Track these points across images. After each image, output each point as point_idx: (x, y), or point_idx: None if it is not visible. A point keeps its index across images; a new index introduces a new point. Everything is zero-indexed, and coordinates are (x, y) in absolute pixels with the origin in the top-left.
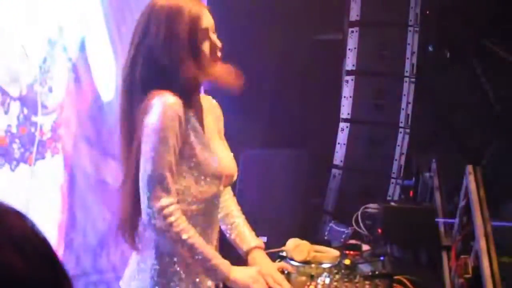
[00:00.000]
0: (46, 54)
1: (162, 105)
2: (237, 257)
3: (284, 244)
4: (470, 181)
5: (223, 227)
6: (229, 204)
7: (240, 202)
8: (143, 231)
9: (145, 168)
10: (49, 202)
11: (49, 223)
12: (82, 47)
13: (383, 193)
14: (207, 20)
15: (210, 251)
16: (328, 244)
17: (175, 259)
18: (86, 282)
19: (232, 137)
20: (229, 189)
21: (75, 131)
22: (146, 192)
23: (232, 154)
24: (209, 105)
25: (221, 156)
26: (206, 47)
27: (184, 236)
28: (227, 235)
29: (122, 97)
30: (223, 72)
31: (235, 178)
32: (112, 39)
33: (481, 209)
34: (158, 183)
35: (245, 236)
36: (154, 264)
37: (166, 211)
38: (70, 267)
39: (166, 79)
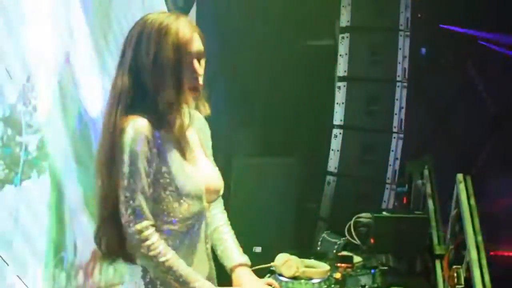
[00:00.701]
0: (29, 73)
1: (132, 130)
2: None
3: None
4: (461, 190)
5: (212, 242)
6: (217, 218)
7: (233, 212)
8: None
9: (120, 194)
10: (38, 222)
11: (38, 242)
12: (67, 62)
13: (378, 199)
14: (195, 45)
15: (190, 274)
16: (321, 255)
17: (158, 282)
18: None
19: (224, 145)
20: (219, 202)
21: (63, 148)
22: (123, 217)
23: (217, 169)
24: (196, 120)
25: (203, 173)
26: (188, 73)
27: (161, 259)
28: (215, 251)
29: (105, 117)
30: (197, 103)
31: (220, 193)
32: (99, 50)
33: (472, 219)
34: (131, 208)
35: (231, 252)
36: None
37: (142, 236)
38: (61, 285)
39: (146, 102)
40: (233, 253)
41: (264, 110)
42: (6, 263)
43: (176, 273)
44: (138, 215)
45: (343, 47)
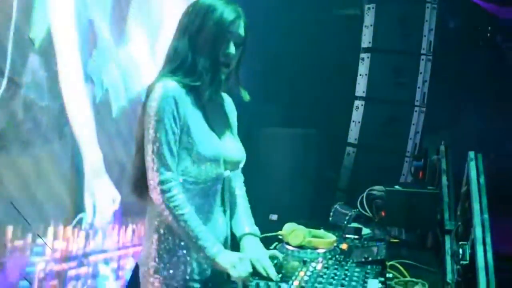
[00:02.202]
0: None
1: (161, 89)
2: None
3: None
4: (471, 168)
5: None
6: (234, 189)
7: (252, 180)
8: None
9: (147, 147)
10: (58, 184)
11: (58, 203)
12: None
13: (397, 172)
14: (235, 28)
15: (202, 231)
16: (331, 226)
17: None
18: (96, 260)
19: (246, 115)
20: (239, 175)
21: (81, 117)
22: (148, 168)
23: (240, 144)
24: (226, 100)
25: (224, 143)
26: (222, 48)
27: (178, 212)
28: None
29: (155, 79)
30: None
31: (241, 164)
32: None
33: (479, 197)
34: (158, 160)
35: (241, 221)
36: (157, 232)
37: (164, 186)
38: (80, 246)
39: (185, 67)
40: (243, 222)
41: (286, 81)
42: (28, 222)
43: (189, 228)
44: (164, 167)
45: (368, 18)
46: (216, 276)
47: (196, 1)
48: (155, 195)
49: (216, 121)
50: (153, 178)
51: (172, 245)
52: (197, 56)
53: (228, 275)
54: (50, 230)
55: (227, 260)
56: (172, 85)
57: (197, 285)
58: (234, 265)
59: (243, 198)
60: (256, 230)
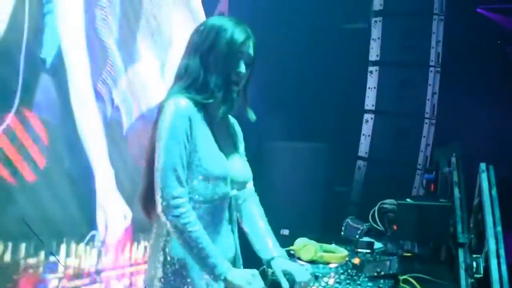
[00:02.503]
0: None
1: (174, 105)
2: None
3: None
4: (483, 180)
5: (245, 230)
6: (250, 207)
7: (263, 194)
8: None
9: (158, 163)
10: (71, 201)
11: (71, 220)
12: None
13: (409, 185)
14: (245, 48)
15: (212, 249)
16: (343, 240)
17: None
18: (108, 277)
19: (256, 129)
20: (252, 193)
21: (95, 131)
22: (159, 183)
23: (247, 164)
24: (232, 121)
25: (231, 162)
26: (233, 67)
27: (189, 229)
28: (250, 240)
29: (166, 95)
30: (245, 107)
31: (248, 184)
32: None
33: (492, 209)
34: (170, 176)
35: (267, 245)
36: (163, 252)
37: (175, 202)
38: (93, 263)
39: (197, 84)
40: (270, 246)
41: (296, 94)
42: (40, 240)
43: (200, 245)
44: (176, 182)
45: (376, 31)
46: None
47: (207, 21)
48: (164, 210)
49: (223, 141)
50: (163, 194)
51: (178, 266)
52: (209, 74)
53: None
54: (63, 247)
55: (240, 276)
56: (185, 102)
57: None
58: (249, 281)
59: (263, 219)
60: (284, 253)
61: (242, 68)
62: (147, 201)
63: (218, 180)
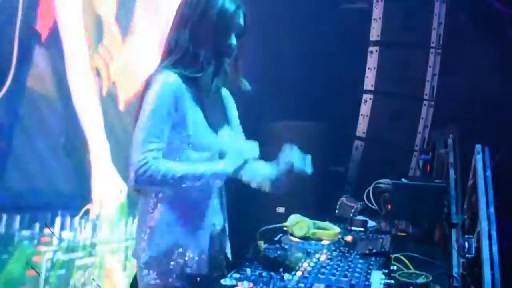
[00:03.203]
0: None
1: (162, 82)
2: None
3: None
4: (478, 161)
5: None
6: None
7: None
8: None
9: (134, 137)
10: (66, 175)
11: (66, 194)
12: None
13: (406, 166)
14: (236, 19)
15: (193, 165)
16: (337, 219)
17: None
18: (103, 250)
19: (254, 108)
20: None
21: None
22: (132, 150)
23: (238, 136)
24: (224, 93)
25: (219, 135)
26: (223, 40)
27: (160, 173)
28: None
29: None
30: (237, 78)
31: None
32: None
33: (486, 190)
34: (141, 148)
35: None
36: (148, 226)
37: (140, 165)
38: (87, 236)
39: (186, 58)
40: None
41: (295, 74)
42: (35, 212)
43: (181, 172)
44: (147, 151)
45: (377, 11)
46: (211, 268)
47: None
48: (135, 179)
49: (214, 114)
50: (134, 161)
51: (164, 239)
52: (198, 47)
53: None
54: (57, 220)
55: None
56: (172, 79)
57: (190, 277)
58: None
59: None
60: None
61: (233, 40)
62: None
63: (206, 155)
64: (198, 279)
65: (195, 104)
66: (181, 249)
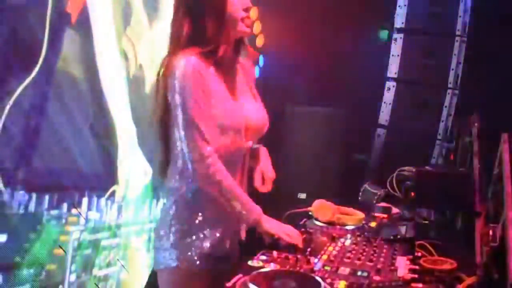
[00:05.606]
0: None
1: (185, 65)
2: None
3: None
4: (504, 150)
5: None
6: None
7: (282, 158)
8: (172, 181)
9: (182, 125)
10: (91, 158)
11: (93, 176)
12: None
13: (428, 154)
14: (244, 2)
15: (245, 196)
16: (361, 204)
17: (200, 214)
18: (128, 231)
19: (277, 93)
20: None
21: (116, 91)
22: (184, 141)
23: (261, 107)
24: (245, 65)
25: (245, 110)
26: (237, 24)
27: (227, 182)
28: None
29: (168, 52)
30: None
31: (263, 131)
32: None
33: (511, 179)
34: (194, 132)
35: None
36: (175, 213)
37: (210, 160)
38: (113, 217)
39: (199, 38)
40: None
41: (319, 60)
42: (64, 193)
43: (236, 194)
44: (202, 138)
45: None
46: (229, 254)
47: None
48: (200, 169)
49: (238, 89)
50: (195, 153)
51: (188, 221)
52: (215, 26)
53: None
54: (84, 201)
55: (276, 223)
56: (194, 60)
57: (210, 259)
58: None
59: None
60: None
61: (247, 21)
62: (163, 163)
63: (234, 132)
64: (224, 263)
65: (218, 82)
66: (208, 229)
